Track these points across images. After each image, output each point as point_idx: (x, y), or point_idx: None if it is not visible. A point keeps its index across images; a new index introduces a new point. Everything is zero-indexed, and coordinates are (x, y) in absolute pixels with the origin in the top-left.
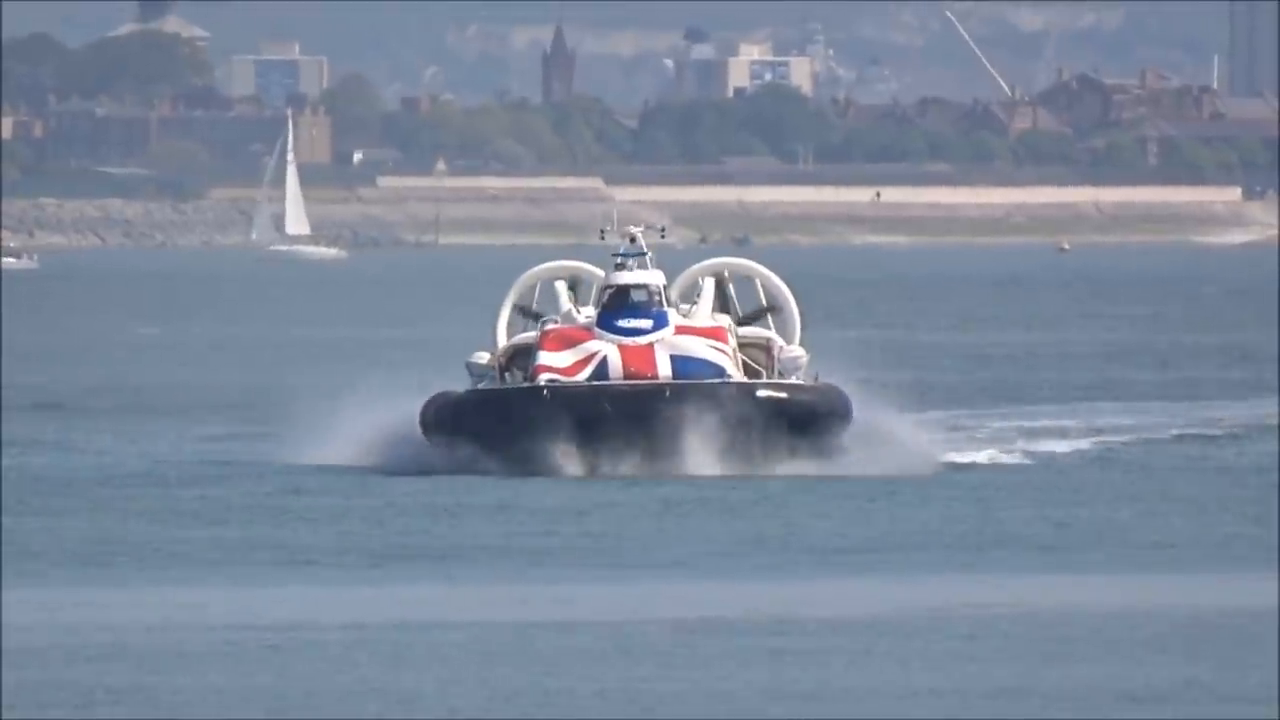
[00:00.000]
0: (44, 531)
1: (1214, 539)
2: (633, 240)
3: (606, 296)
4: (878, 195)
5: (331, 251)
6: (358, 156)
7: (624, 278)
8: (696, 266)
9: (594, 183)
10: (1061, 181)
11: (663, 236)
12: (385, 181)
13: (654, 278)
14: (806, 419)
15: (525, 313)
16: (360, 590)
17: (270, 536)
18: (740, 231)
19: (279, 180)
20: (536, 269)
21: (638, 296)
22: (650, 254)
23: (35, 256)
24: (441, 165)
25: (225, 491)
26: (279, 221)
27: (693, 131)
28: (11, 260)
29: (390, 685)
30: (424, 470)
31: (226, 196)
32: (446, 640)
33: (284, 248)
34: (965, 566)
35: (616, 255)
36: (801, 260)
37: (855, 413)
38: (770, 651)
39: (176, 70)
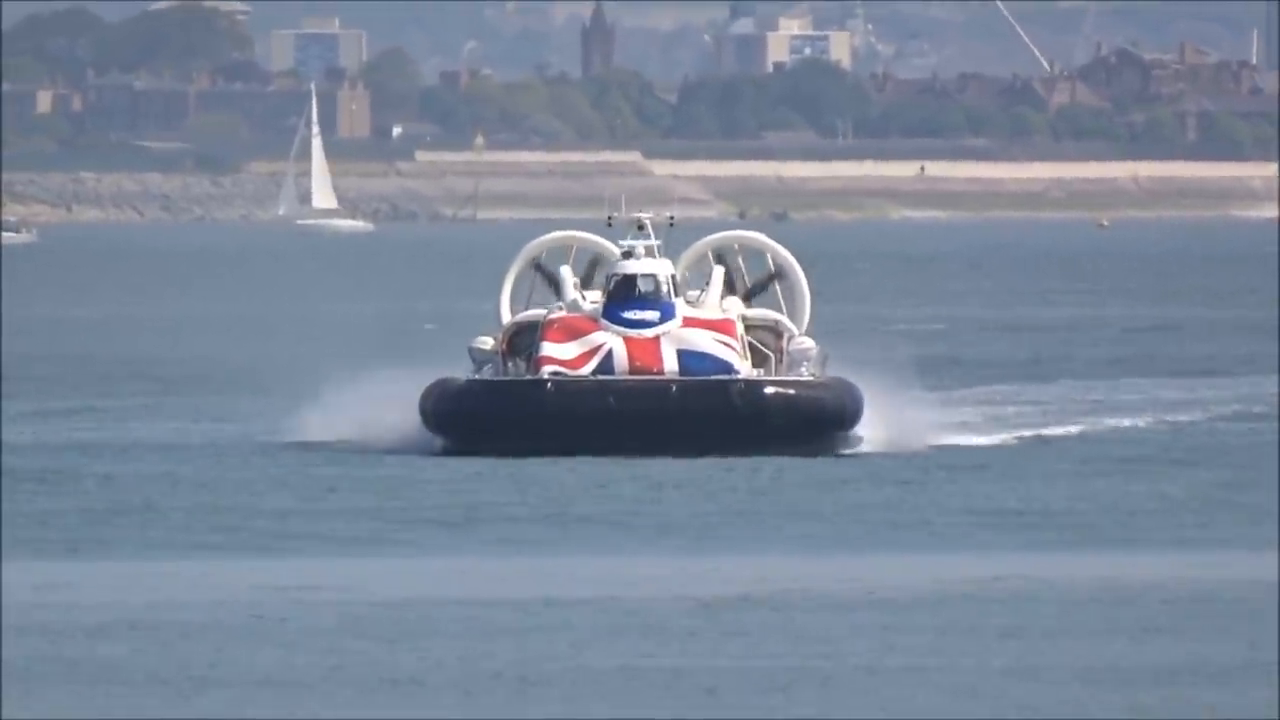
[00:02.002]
0: (44, 506)
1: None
2: (641, 228)
3: (613, 285)
4: (922, 170)
5: (358, 225)
6: (397, 130)
7: (631, 267)
8: (704, 240)
9: (633, 157)
10: (1100, 156)
11: (671, 225)
12: (424, 155)
13: (662, 267)
14: (815, 416)
15: (541, 270)
16: (367, 564)
17: (277, 510)
18: (779, 206)
19: (305, 154)
20: (543, 238)
21: (645, 287)
22: (659, 242)
23: (34, 230)
24: (480, 139)
25: (224, 466)
26: (305, 195)
27: (732, 106)
28: (9, 234)
29: (404, 659)
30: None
31: (265, 170)
32: (454, 614)
33: (311, 221)
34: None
35: (624, 243)
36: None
37: (865, 407)
38: (783, 628)
39: (215, 44)
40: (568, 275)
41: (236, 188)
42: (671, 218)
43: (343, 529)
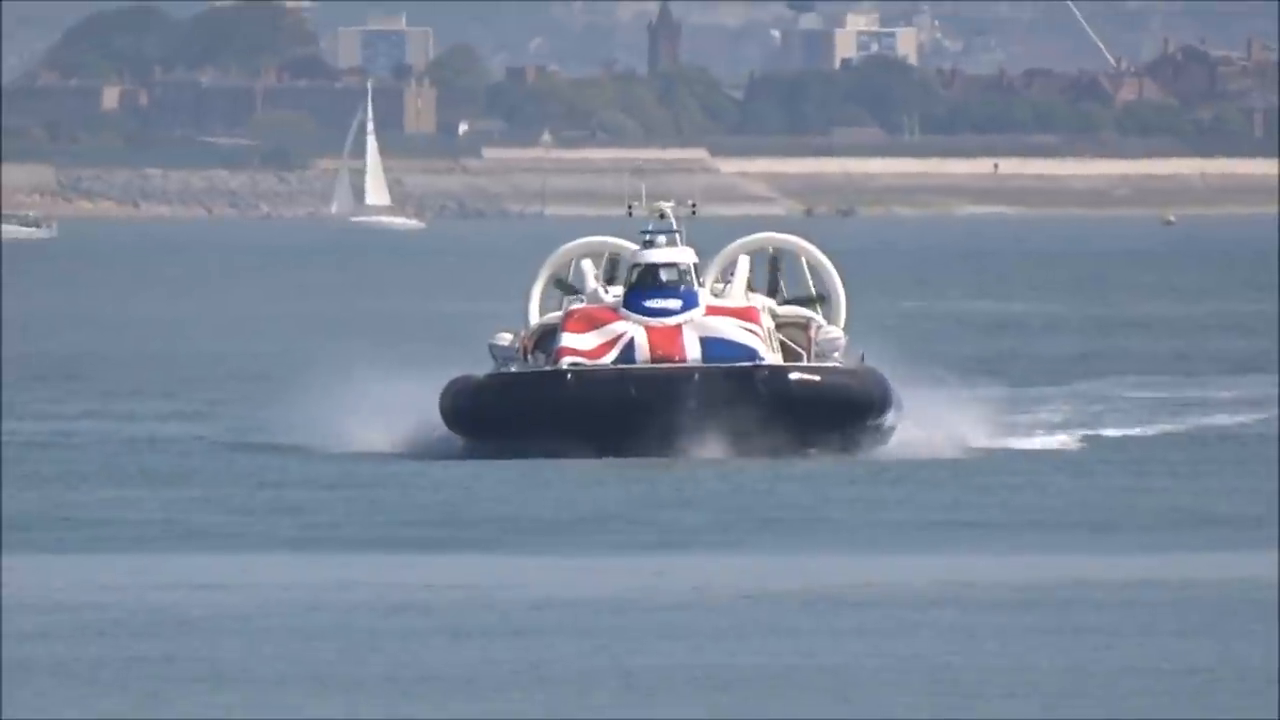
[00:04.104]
0: (51, 502)
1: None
2: (662, 216)
3: (634, 275)
4: (995, 167)
5: (410, 222)
6: (463, 127)
7: (652, 255)
8: (739, 242)
9: (699, 154)
10: (1167, 153)
11: (693, 213)
12: (490, 153)
13: (684, 255)
14: (842, 404)
15: (562, 285)
16: (377, 565)
17: (292, 510)
18: (846, 203)
19: (360, 151)
20: (570, 245)
21: (667, 275)
22: (681, 230)
23: (53, 225)
24: (547, 136)
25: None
26: (359, 192)
27: (799, 103)
28: (27, 229)
29: (433, 657)
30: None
31: (332, 167)
32: (479, 614)
33: (364, 218)
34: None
35: (645, 232)
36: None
37: (896, 398)
38: (792, 627)
39: (282, 40)
40: (589, 268)
41: (303, 185)
42: (694, 205)
43: (367, 529)
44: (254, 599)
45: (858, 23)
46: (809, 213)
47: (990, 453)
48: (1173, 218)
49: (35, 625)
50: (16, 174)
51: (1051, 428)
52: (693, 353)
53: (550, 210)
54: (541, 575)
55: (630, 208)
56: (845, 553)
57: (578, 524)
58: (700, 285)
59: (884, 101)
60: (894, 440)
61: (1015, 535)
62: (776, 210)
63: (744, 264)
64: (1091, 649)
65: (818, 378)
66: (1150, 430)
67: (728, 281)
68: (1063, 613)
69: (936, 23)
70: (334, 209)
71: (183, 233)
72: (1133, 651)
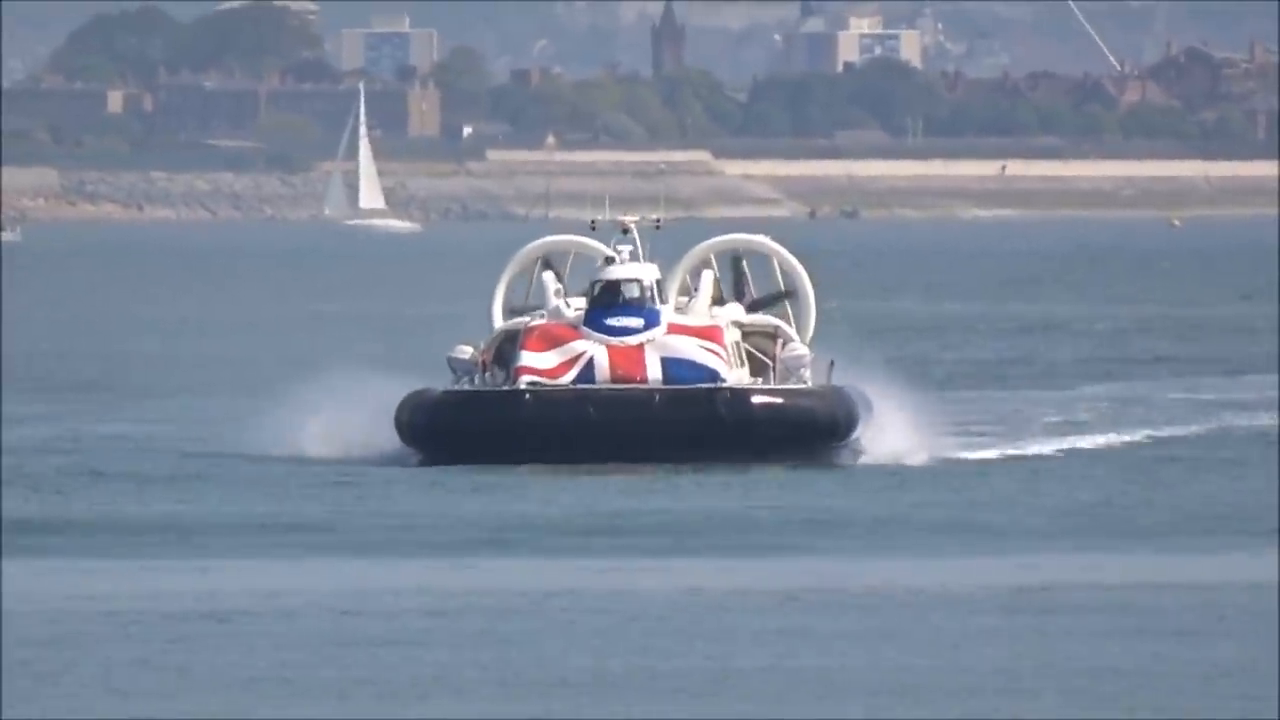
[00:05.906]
0: (49, 508)
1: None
2: (625, 231)
3: (596, 291)
4: (1003, 169)
5: (406, 224)
6: (467, 130)
7: (614, 272)
8: (707, 243)
9: (703, 156)
10: (1171, 155)
11: (658, 228)
12: (495, 155)
13: (647, 272)
14: (805, 427)
15: (514, 310)
16: (369, 569)
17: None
18: (849, 205)
19: (353, 153)
20: (534, 244)
21: (629, 292)
22: (638, 246)
23: (18, 229)
24: (551, 139)
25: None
26: (356, 195)
27: (802, 105)
28: None
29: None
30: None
31: (329, 169)
32: (470, 618)
33: (358, 221)
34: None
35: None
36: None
37: (864, 418)
38: (779, 630)
39: (286, 43)
40: (550, 281)
41: (307, 187)
42: (658, 220)
43: (362, 534)
44: (251, 604)
45: (860, 26)
46: (813, 214)
47: (981, 458)
48: (1178, 221)
49: (31, 631)
50: (20, 177)
51: (1045, 433)
52: (654, 373)
53: (555, 213)
54: (531, 578)
55: (593, 222)
56: (841, 556)
57: (565, 529)
58: (664, 301)
59: (887, 104)
60: (867, 452)
61: (1007, 540)
62: (781, 212)
63: (708, 278)
64: (1088, 650)
65: (780, 400)
66: (1136, 435)
67: (692, 295)
68: (1056, 616)
69: (940, 25)
70: (326, 211)
71: (171, 237)
72: (1129, 653)
